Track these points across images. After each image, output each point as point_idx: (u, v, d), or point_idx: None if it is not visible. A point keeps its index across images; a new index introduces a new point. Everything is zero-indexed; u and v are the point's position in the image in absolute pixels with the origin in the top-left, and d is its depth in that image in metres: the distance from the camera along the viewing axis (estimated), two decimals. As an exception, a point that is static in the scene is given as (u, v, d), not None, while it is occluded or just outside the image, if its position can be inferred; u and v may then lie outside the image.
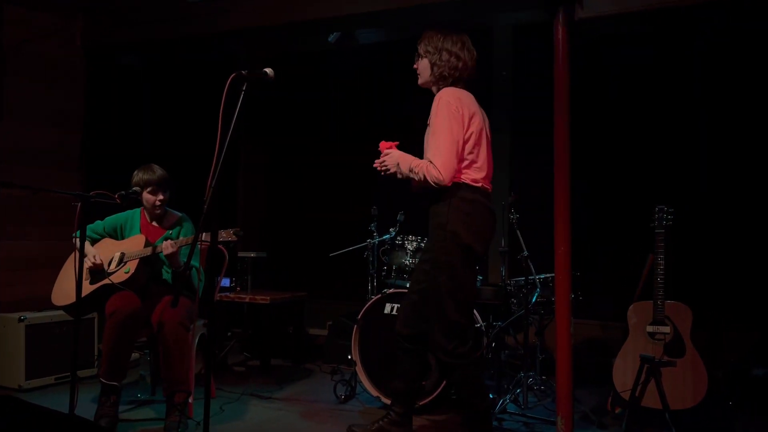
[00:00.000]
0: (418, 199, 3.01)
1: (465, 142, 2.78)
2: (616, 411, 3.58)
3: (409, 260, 3.96)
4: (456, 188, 2.76)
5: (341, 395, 3.95)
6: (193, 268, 3.51)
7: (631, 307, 3.56)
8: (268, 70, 2.70)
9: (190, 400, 3.33)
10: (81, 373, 4.03)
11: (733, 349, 4.24)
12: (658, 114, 4.72)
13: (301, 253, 6.05)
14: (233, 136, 2.45)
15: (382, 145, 2.94)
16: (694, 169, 4.60)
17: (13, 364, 3.99)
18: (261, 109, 6.09)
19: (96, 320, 4.36)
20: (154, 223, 3.68)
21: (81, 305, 3.01)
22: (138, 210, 3.72)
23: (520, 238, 3.85)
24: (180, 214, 3.76)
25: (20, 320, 3.97)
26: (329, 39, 5.75)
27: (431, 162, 2.68)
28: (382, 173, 2.92)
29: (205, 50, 5.83)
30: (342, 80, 5.96)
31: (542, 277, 3.84)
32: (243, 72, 2.57)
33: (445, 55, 2.83)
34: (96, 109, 4.99)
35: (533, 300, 3.76)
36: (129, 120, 5.39)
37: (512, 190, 4.59)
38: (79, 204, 2.96)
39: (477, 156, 2.81)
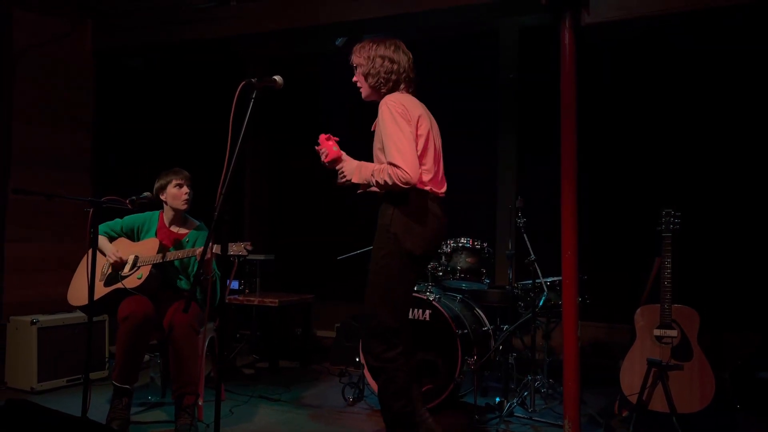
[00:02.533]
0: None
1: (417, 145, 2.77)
2: (623, 414, 3.59)
3: (416, 263, 3.98)
4: (403, 193, 2.72)
5: (349, 398, 3.98)
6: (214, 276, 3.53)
7: (638, 310, 3.57)
8: (277, 78, 2.73)
9: (200, 403, 3.37)
10: (92, 375, 4.07)
11: (736, 351, 4.24)
12: (665, 118, 4.73)
13: (308, 256, 6.08)
14: (242, 143, 2.49)
15: (322, 137, 2.88)
16: (700, 174, 4.61)
17: (25, 366, 4.04)
18: (267, 111, 6.13)
19: (107, 323, 4.40)
20: (173, 228, 3.69)
21: (94, 307, 3.04)
22: (157, 213, 3.74)
23: (527, 241, 3.86)
24: (198, 222, 3.79)
25: (33, 323, 4.02)
26: (336, 43, 5.79)
27: (394, 164, 2.63)
28: (338, 181, 2.87)
29: (212, 53, 5.87)
30: (348, 83, 5.97)
31: (549, 280, 3.86)
32: (253, 80, 2.61)
33: (378, 61, 2.82)
34: (106, 111, 5.04)
35: (540, 303, 3.77)
36: (138, 122, 5.44)
37: (519, 193, 4.60)
38: (92, 210, 3.00)
39: (425, 159, 2.78)
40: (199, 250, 3.41)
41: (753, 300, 4.43)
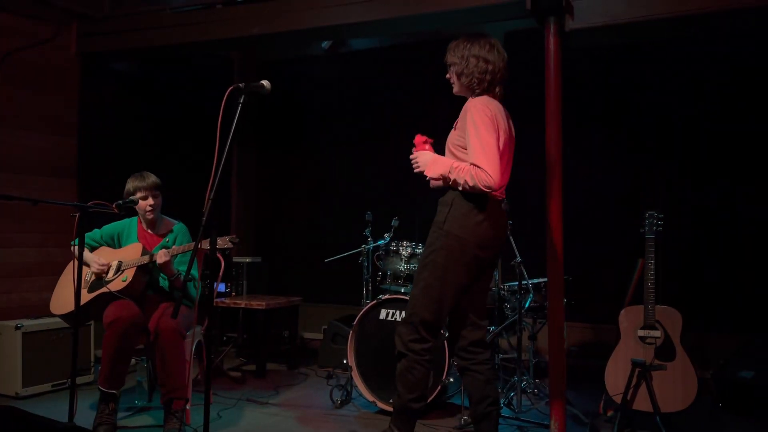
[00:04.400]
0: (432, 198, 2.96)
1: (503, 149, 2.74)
2: (608, 414, 3.64)
3: (403, 266, 4.01)
4: (467, 192, 2.69)
5: (337, 400, 3.99)
6: (191, 278, 3.54)
7: (622, 311, 3.62)
8: (265, 83, 2.75)
9: (187, 407, 3.37)
10: (78, 380, 4.04)
11: (718, 351, 4.31)
12: (649, 122, 4.79)
13: (295, 259, 6.09)
14: (230, 146, 2.50)
15: (418, 138, 2.88)
16: (683, 177, 4.68)
17: (10, 371, 4.01)
18: (254, 114, 6.13)
19: (93, 327, 4.38)
20: (151, 231, 3.71)
21: (80, 314, 3.03)
22: (135, 218, 3.75)
23: (513, 244, 3.90)
24: (176, 221, 3.80)
25: (17, 328, 3.99)
26: (322, 45, 5.81)
27: (478, 166, 2.59)
28: (414, 170, 2.86)
29: (198, 57, 5.87)
30: (334, 86, 6.00)
31: (535, 282, 3.90)
32: (240, 85, 2.62)
33: (472, 61, 2.78)
34: (90, 116, 5.01)
35: (527, 305, 3.81)
36: (123, 126, 5.41)
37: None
38: (78, 214, 2.99)
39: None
40: (181, 247, 3.42)
41: (734, 301, 4.51)
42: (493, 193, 2.71)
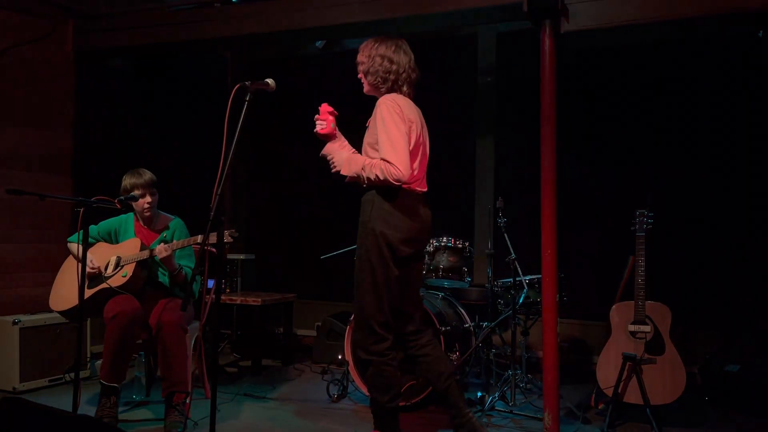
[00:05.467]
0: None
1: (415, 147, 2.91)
2: (600, 407, 3.74)
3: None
4: (385, 188, 2.82)
5: (334, 394, 4.05)
6: (192, 272, 3.58)
7: (613, 307, 3.72)
8: (270, 81, 2.81)
9: (187, 401, 3.41)
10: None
11: (705, 346, 4.43)
12: (639, 121, 4.89)
13: (287, 255, 6.13)
14: (233, 143, 2.56)
15: (324, 107, 2.99)
16: (672, 176, 4.78)
17: (7, 366, 4.02)
18: (247, 111, 6.15)
19: (89, 322, 4.40)
20: (147, 227, 3.74)
21: (83, 309, 3.06)
22: (131, 214, 3.77)
23: (508, 241, 3.98)
24: (172, 216, 3.83)
25: (14, 323, 4.00)
26: (316, 44, 5.86)
27: (387, 161, 2.72)
28: (331, 170, 2.98)
29: (194, 54, 5.88)
30: (328, 83, 6.04)
31: (528, 278, 3.98)
32: (247, 83, 2.68)
33: (378, 60, 2.93)
34: (86, 113, 5.01)
35: (520, 300, 3.89)
36: (119, 123, 5.42)
37: (497, 193, 4.73)
38: (82, 210, 3.02)
39: (414, 161, 2.88)
40: (192, 239, 3.46)
41: (721, 297, 4.62)
42: (413, 187, 2.87)
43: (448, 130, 5.46)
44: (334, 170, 2.97)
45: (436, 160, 5.68)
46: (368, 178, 2.80)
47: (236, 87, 2.63)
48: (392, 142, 2.74)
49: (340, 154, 2.96)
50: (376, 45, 2.96)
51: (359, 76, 3.04)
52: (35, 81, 4.65)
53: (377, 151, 2.81)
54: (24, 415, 2.48)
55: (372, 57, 2.94)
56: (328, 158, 2.99)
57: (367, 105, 3.12)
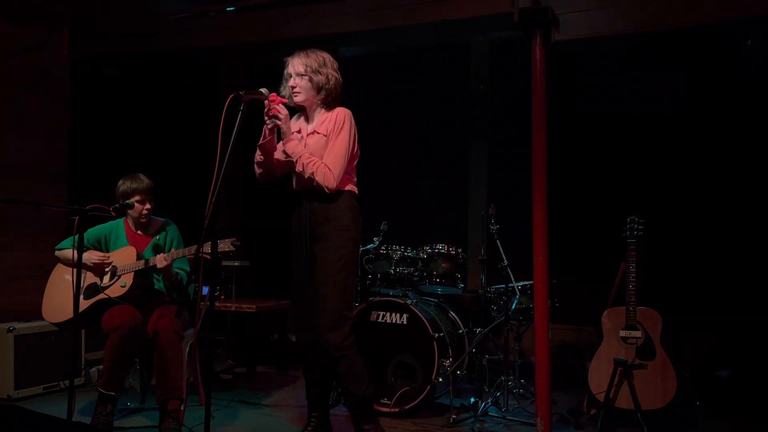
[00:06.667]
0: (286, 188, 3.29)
1: (355, 158, 3.13)
2: (592, 412, 3.76)
3: (393, 269, 4.11)
4: (353, 196, 3.10)
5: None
6: (187, 276, 3.60)
7: (605, 312, 3.75)
8: (264, 90, 2.85)
9: (182, 407, 3.42)
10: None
11: (695, 351, 4.46)
12: (630, 129, 4.93)
13: (282, 262, 6.13)
14: (227, 153, 2.59)
15: (273, 95, 3.01)
16: (662, 182, 4.83)
17: (2, 374, 4.02)
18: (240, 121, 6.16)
19: (83, 331, 4.40)
20: (139, 232, 3.73)
21: (79, 320, 3.08)
22: (121, 220, 3.74)
23: (500, 247, 4.01)
24: (163, 219, 3.83)
25: (9, 330, 4.01)
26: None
27: (329, 168, 2.96)
28: (269, 124, 3.04)
29: (190, 62, 5.90)
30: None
31: (521, 284, 4.01)
32: (241, 93, 2.71)
33: (332, 76, 3.07)
34: (82, 120, 5.04)
35: (513, 307, 3.92)
36: (115, 131, 5.44)
37: (490, 200, 4.75)
38: (77, 218, 3.04)
39: (353, 164, 3.15)
40: (192, 248, 3.48)
41: (712, 302, 4.65)
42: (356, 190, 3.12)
43: (441, 137, 5.51)
44: (278, 126, 3.01)
45: (430, 167, 5.75)
46: (303, 167, 2.97)
47: (230, 97, 2.65)
48: (343, 153, 2.99)
49: (300, 145, 3.08)
50: (328, 62, 3.08)
51: (293, 84, 3.06)
52: (31, 88, 4.68)
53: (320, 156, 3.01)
54: (19, 423, 2.50)
55: (327, 75, 3.05)
56: (286, 123, 3.01)
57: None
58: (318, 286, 3.02)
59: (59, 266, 3.76)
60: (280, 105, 2.98)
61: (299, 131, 3.15)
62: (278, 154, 3.11)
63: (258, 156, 3.17)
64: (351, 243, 3.04)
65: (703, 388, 4.07)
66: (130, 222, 3.73)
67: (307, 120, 3.17)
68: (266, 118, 3.00)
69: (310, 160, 2.97)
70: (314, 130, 3.09)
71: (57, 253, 3.69)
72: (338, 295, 2.98)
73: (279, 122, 2.98)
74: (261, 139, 3.11)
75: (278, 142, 3.13)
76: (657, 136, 4.87)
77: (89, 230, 3.71)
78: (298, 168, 3.00)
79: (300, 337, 3.27)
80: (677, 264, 4.72)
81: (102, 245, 3.71)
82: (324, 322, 2.98)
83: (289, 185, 3.29)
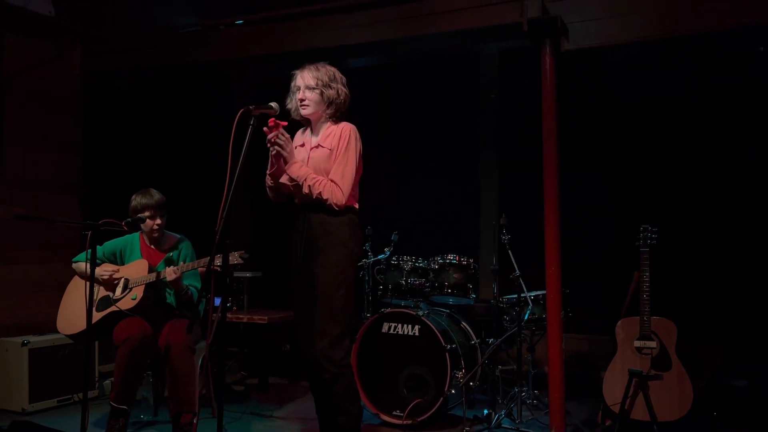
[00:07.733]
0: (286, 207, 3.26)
1: (359, 174, 3.08)
2: (606, 423, 3.72)
3: (404, 279, 4.10)
4: (353, 212, 3.04)
5: (340, 412, 4.05)
6: (197, 293, 3.61)
7: (618, 322, 3.71)
8: (274, 104, 2.85)
9: (195, 420, 3.42)
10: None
11: (712, 361, 4.40)
12: (644, 138, 4.90)
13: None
14: (238, 167, 2.60)
15: (272, 120, 2.95)
16: (676, 191, 4.78)
17: (16, 387, 4.05)
18: (250, 135, 6.19)
19: (97, 344, 4.42)
20: (153, 246, 3.77)
21: (92, 332, 3.09)
22: (137, 234, 3.80)
23: (512, 257, 3.98)
24: (178, 236, 3.86)
25: (24, 344, 4.04)
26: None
27: (337, 184, 2.92)
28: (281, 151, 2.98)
29: (200, 76, 5.95)
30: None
31: (533, 294, 3.98)
32: (251, 107, 2.71)
33: (343, 92, 3.05)
34: (94, 134, 5.08)
35: (525, 317, 3.90)
36: (126, 144, 5.48)
37: (501, 210, 4.73)
38: (90, 233, 3.05)
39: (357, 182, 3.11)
40: (201, 261, 3.49)
41: (728, 311, 4.60)
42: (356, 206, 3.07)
43: (452, 147, 5.50)
44: (282, 154, 2.95)
45: (441, 176, 5.72)
46: (309, 188, 2.93)
47: (240, 111, 2.66)
48: (350, 170, 2.96)
49: (300, 153, 3.07)
50: (339, 77, 3.06)
51: (301, 97, 3.02)
52: (44, 102, 4.73)
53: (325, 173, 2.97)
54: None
55: (338, 90, 3.03)
56: (286, 149, 2.96)
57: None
58: (316, 301, 2.94)
59: (75, 278, 3.79)
60: (281, 129, 2.94)
61: (303, 145, 3.12)
62: (284, 179, 3.09)
63: (269, 181, 3.15)
64: (349, 258, 2.99)
65: (720, 399, 4.01)
66: (145, 237, 3.75)
67: (312, 133, 3.14)
68: (269, 144, 2.96)
69: (315, 180, 2.93)
70: (318, 144, 3.06)
71: (74, 266, 3.75)
72: (337, 312, 2.91)
73: (280, 149, 2.95)
74: (269, 167, 3.08)
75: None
76: (672, 141, 4.83)
77: (106, 243, 3.77)
78: (305, 190, 2.95)
79: (299, 351, 3.17)
80: (692, 273, 4.67)
81: (117, 258, 3.75)
82: (322, 339, 2.88)
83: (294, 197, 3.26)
